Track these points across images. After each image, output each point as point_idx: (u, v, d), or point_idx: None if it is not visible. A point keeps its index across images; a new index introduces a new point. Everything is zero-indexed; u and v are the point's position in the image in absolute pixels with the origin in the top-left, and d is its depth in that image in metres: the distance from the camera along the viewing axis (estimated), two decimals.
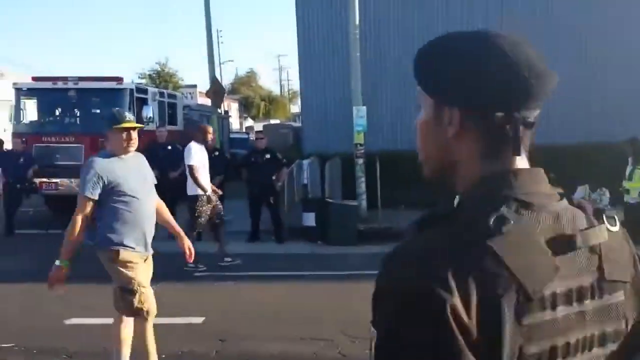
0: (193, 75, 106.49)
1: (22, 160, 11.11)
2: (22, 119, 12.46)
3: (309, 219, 9.85)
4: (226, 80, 47.69)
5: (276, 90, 61.07)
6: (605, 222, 0.91)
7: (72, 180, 11.21)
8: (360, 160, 11.29)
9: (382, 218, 10.67)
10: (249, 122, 50.04)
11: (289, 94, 62.45)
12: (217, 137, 12.06)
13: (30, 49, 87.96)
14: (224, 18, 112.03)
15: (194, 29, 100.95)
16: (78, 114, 12.49)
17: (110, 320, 4.21)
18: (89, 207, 3.91)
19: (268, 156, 9.95)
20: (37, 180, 11.22)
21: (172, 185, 10.15)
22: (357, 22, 11.23)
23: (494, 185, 0.88)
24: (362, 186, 11.29)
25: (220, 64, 38.29)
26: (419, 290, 0.78)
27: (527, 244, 0.83)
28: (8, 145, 12.20)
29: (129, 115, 4.14)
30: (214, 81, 13.32)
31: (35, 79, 12.88)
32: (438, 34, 0.97)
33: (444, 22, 13.94)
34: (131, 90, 12.08)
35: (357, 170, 11.19)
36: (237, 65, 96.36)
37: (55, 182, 11.31)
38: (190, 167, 7.79)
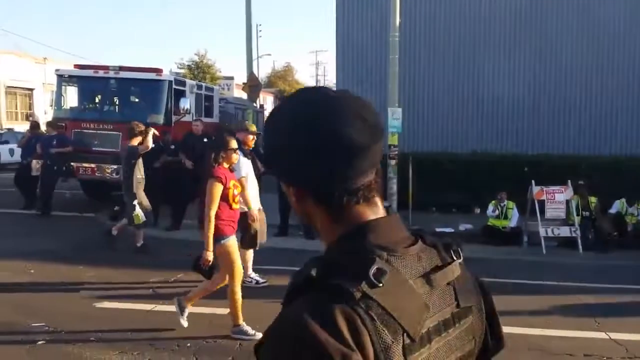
0: (230, 63, 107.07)
1: (55, 142, 11.35)
2: (62, 105, 12.72)
3: None
4: (263, 73, 48.02)
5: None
6: (453, 255, 0.98)
7: (108, 166, 11.44)
8: (393, 162, 11.24)
9: (412, 220, 10.59)
10: None
11: None
12: None
13: (74, 37, 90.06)
14: (264, 11, 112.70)
15: (233, 19, 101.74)
16: (117, 103, 12.69)
17: (140, 306, 4.22)
18: None
19: None
20: (73, 165, 11.43)
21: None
22: (397, 24, 11.17)
23: (354, 242, 0.91)
24: (393, 187, 11.25)
25: (258, 57, 38.55)
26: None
27: (402, 290, 0.88)
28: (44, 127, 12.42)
29: None
30: (251, 76, 13.39)
31: (77, 66, 13.08)
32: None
33: (474, 21, 13.76)
34: (170, 82, 12.22)
35: (389, 171, 11.14)
36: (275, 59, 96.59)
37: (91, 167, 11.50)
38: None
